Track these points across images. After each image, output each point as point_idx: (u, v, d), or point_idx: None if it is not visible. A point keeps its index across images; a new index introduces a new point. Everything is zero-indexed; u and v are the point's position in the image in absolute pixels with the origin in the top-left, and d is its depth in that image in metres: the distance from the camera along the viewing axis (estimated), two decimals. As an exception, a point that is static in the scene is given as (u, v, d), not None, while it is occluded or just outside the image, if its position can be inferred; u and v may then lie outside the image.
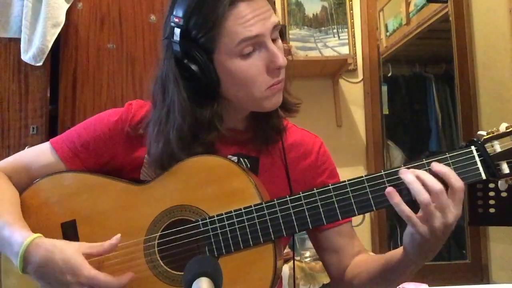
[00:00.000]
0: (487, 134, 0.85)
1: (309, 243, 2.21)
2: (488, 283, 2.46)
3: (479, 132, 0.86)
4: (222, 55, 0.92)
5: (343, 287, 1.04)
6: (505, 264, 2.42)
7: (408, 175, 0.82)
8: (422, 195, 0.80)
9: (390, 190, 0.83)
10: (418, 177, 0.81)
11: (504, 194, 1.53)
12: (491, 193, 1.60)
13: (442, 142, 2.87)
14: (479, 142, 0.85)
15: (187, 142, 0.95)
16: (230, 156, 1.02)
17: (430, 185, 0.80)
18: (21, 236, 0.89)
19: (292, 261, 2.14)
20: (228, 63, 0.92)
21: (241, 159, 1.03)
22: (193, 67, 0.92)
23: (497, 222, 1.70)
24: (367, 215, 2.51)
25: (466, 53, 2.60)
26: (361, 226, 2.32)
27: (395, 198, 0.82)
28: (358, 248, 1.06)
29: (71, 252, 0.87)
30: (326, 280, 2.14)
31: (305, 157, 1.08)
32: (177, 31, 0.91)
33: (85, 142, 1.03)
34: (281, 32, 0.98)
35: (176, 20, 0.92)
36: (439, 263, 2.53)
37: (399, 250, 0.90)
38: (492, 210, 1.58)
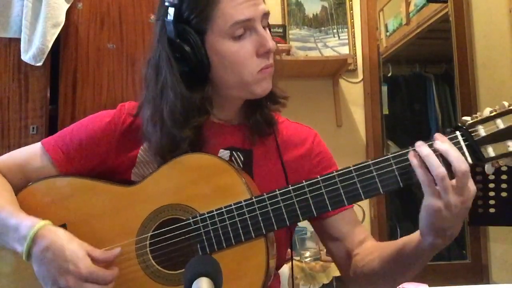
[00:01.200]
0: (472, 118, 0.85)
1: (309, 243, 2.21)
2: (488, 283, 2.47)
3: (463, 118, 0.86)
4: (214, 36, 0.94)
5: (352, 275, 1.02)
6: (505, 264, 2.42)
7: (424, 148, 0.82)
8: (439, 168, 0.80)
9: (412, 154, 0.83)
10: (435, 151, 0.82)
11: (504, 194, 1.53)
12: (491, 193, 1.60)
13: (442, 142, 2.87)
14: (464, 127, 0.85)
15: (180, 122, 0.96)
16: (223, 149, 1.02)
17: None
18: (31, 221, 0.91)
19: (292, 261, 2.15)
20: (219, 45, 0.94)
21: (234, 152, 1.03)
22: (185, 47, 0.93)
23: (497, 222, 1.70)
24: (367, 215, 2.52)
25: (466, 53, 2.60)
26: (361, 226, 2.33)
27: (415, 161, 0.82)
28: (363, 234, 1.05)
29: (77, 244, 0.89)
30: (326, 280, 2.14)
31: (300, 147, 1.08)
32: (171, 10, 0.94)
33: (77, 143, 1.03)
34: (269, 26, 1.01)
35: (171, 0, 0.94)
36: (439, 263, 2.53)
37: (415, 235, 0.90)
38: (492, 210, 1.58)
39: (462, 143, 0.84)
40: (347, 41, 2.69)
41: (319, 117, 2.58)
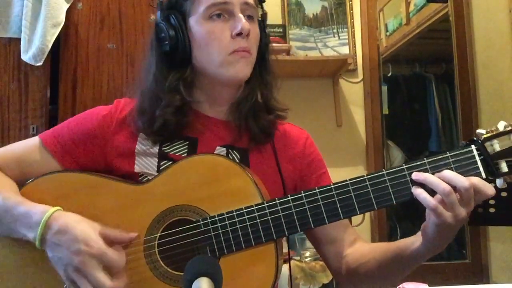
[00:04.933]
0: (487, 133, 0.86)
1: (309, 243, 2.21)
2: (488, 283, 2.47)
3: (478, 131, 0.87)
4: (194, 18, 1.00)
5: (346, 276, 1.03)
6: (505, 264, 2.42)
7: (422, 173, 0.85)
8: (442, 184, 0.82)
9: (415, 187, 0.85)
10: (431, 175, 0.84)
11: (504, 194, 1.53)
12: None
13: (442, 142, 2.88)
14: (479, 141, 0.86)
15: (153, 101, 1.01)
16: (219, 147, 1.03)
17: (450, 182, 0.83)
18: (42, 208, 0.92)
19: (292, 261, 2.15)
20: (197, 26, 1.00)
21: (230, 150, 1.03)
22: (169, 29, 1.00)
23: (497, 222, 1.70)
24: (367, 215, 2.51)
25: (466, 53, 2.60)
26: (361, 226, 2.33)
27: (418, 190, 0.84)
28: (354, 236, 1.07)
29: (88, 225, 0.90)
30: (326, 280, 2.14)
31: (293, 146, 1.09)
32: None
33: (75, 137, 1.03)
34: (263, 24, 1.06)
35: None
36: (439, 263, 2.53)
37: (415, 239, 0.91)
38: (492, 210, 1.58)
39: (477, 157, 0.85)
40: (347, 41, 2.69)
41: (319, 117, 2.58)
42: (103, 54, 2.19)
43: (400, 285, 1.07)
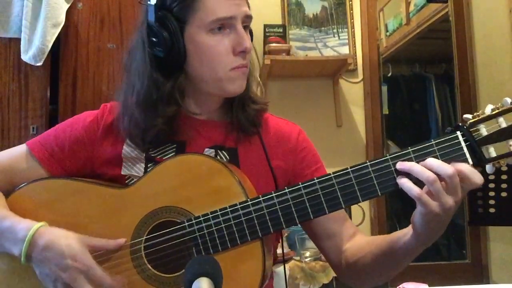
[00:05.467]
0: (473, 117, 0.83)
1: (309, 243, 2.21)
2: (488, 283, 2.47)
3: (464, 116, 0.84)
4: (193, 28, 0.95)
5: (346, 270, 1.03)
6: (505, 264, 2.42)
7: (406, 162, 0.83)
8: (426, 173, 0.80)
9: (400, 177, 0.83)
10: (416, 163, 0.82)
11: (504, 194, 1.53)
12: (491, 193, 1.60)
13: (442, 142, 2.87)
14: (465, 127, 0.82)
15: (145, 110, 0.97)
16: (208, 148, 1.02)
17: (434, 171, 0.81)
18: (26, 223, 0.91)
19: (291, 261, 2.15)
20: (197, 36, 0.95)
21: (219, 151, 1.02)
22: (163, 33, 0.94)
23: (497, 222, 1.70)
24: (367, 215, 2.51)
25: (466, 53, 2.60)
26: (361, 226, 2.33)
27: (403, 180, 0.83)
28: (353, 229, 1.06)
29: (75, 239, 0.89)
30: (326, 280, 2.14)
31: (284, 142, 1.08)
32: None
33: (62, 144, 1.03)
34: (251, 32, 1.03)
35: None
36: (439, 263, 2.53)
37: (407, 231, 0.90)
38: (492, 210, 1.58)
39: (463, 143, 0.82)
40: (347, 41, 2.69)
41: (319, 117, 2.58)
42: (103, 54, 2.19)
43: (400, 285, 1.07)
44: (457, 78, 2.64)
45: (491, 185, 1.59)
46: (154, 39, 0.96)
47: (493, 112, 0.81)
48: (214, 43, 0.95)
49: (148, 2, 0.97)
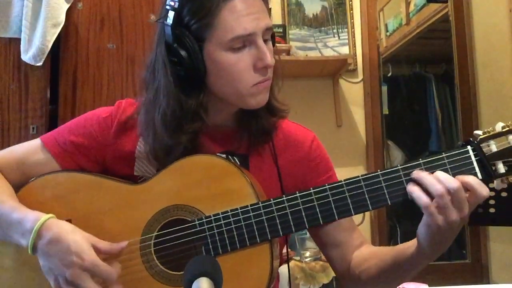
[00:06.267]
0: (483, 133, 0.85)
1: (309, 243, 2.21)
2: (488, 283, 2.47)
3: (475, 132, 0.86)
4: (212, 45, 0.92)
5: (350, 281, 1.03)
6: (505, 264, 2.42)
7: (421, 172, 0.84)
8: (436, 185, 0.81)
9: (411, 184, 0.85)
10: (429, 174, 0.83)
11: (504, 194, 1.53)
12: (491, 193, 1.60)
13: (442, 142, 2.88)
14: (475, 142, 0.85)
15: (171, 129, 0.96)
16: (219, 154, 1.02)
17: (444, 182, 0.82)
18: (35, 215, 0.91)
19: (291, 261, 2.15)
20: (217, 54, 0.92)
21: (230, 156, 1.02)
22: (182, 52, 0.92)
23: (497, 222, 1.70)
24: (367, 215, 2.52)
25: (466, 53, 2.60)
26: (361, 226, 2.33)
27: (414, 188, 0.84)
28: (360, 239, 1.06)
29: (81, 236, 0.89)
30: (326, 280, 2.14)
31: (297, 150, 1.07)
32: (171, 14, 0.92)
33: (76, 139, 1.03)
34: (273, 36, 0.99)
35: (172, 3, 0.93)
36: (439, 263, 2.53)
37: (411, 244, 0.90)
38: (492, 210, 1.58)
39: (473, 158, 0.84)
40: (347, 41, 2.69)
41: (319, 117, 2.58)
42: (103, 54, 2.19)
43: (400, 285, 1.07)
44: (457, 78, 2.64)
45: (491, 185, 1.59)
46: (173, 59, 0.94)
47: (504, 130, 0.84)
48: (235, 61, 0.92)
49: (165, 22, 0.94)
